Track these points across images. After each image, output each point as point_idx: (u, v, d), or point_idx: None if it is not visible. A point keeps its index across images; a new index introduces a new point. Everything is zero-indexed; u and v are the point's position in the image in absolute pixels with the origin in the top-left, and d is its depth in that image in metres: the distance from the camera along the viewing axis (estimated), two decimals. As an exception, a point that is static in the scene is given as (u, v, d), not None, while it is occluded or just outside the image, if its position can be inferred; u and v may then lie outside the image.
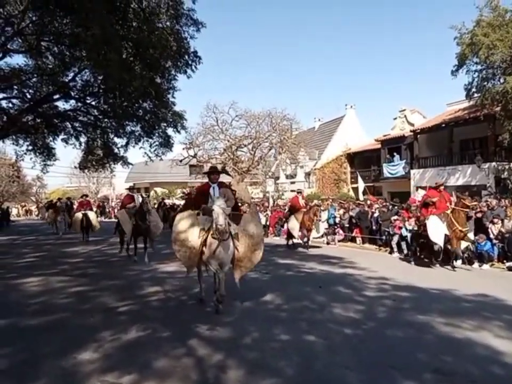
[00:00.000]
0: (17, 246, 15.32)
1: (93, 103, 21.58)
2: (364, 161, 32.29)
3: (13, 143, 23.19)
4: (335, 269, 9.68)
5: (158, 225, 11.67)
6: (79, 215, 16.50)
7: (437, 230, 9.48)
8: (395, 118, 30.46)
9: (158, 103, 20.02)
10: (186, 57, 14.73)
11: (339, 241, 15.14)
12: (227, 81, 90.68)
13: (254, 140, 24.65)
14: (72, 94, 20.87)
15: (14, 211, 41.93)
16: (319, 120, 39.19)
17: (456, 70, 18.51)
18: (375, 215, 13.95)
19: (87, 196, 19.29)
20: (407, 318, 5.33)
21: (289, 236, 14.51)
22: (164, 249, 13.49)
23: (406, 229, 11.58)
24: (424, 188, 22.72)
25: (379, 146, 30.05)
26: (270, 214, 19.82)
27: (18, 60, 21.89)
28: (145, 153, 21.42)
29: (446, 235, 9.47)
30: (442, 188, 10.49)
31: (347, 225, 15.14)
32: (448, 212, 9.79)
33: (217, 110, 25.06)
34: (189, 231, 5.95)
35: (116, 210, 50.44)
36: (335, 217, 15.45)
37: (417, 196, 21.98)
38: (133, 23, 14.39)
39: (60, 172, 43.70)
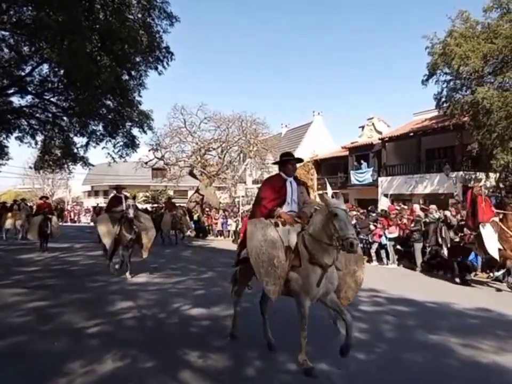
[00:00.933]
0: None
1: (52, 99, 20.19)
2: (331, 168, 32.31)
3: (-40, 139, 21.38)
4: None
5: (150, 233, 9.53)
6: (37, 219, 14.23)
7: (491, 241, 8.06)
8: (361, 126, 30.77)
9: (123, 101, 18.98)
10: (158, 52, 13.85)
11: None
12: (195, 83, 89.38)
13: (223, 144, 23.94)
14: (29, 89, 19.45)
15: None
16: (286, 126, 39.09)
17: (427, 79, 18.71)
18: (352, 222, 13.59)
19: (47, 197, 16.39)
20: (418, 338, 4.86)
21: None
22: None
23: (386, 237, 11.29)
24: (386, 196, 23.20)
25: (346, 153, 30.16)
26: (240, 219, 19.17)
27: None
28: (108, 153, 20.26)
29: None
30: (481, 190, 8.69)
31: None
32: (497, 219, 8.36)
33: (185, 112, 24.21)
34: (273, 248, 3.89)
35: (72, 214, 48.09)
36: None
37: (383, 203, 22.21)
38: (100, 14, 13.40)
39: (12, 172, 40.99)
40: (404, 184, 22.87)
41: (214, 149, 24.53)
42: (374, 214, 12.94)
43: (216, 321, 5.64)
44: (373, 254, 11.95)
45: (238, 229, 18.77)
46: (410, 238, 10.76)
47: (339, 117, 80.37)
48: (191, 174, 24.01)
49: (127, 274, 9.14)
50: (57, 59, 11.44)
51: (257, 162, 24.94)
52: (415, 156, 23.33)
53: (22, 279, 8.91)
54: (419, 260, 10.70)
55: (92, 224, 35.85)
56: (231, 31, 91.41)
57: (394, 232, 11.36)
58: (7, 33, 17.53)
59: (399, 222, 11.40)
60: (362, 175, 26.19)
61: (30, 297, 7.09)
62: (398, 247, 11.48)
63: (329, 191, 26.12)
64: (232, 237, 20.10)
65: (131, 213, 8.81)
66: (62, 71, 18.22)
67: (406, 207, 13.55)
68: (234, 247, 14.99)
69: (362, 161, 26.43)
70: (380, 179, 24.58)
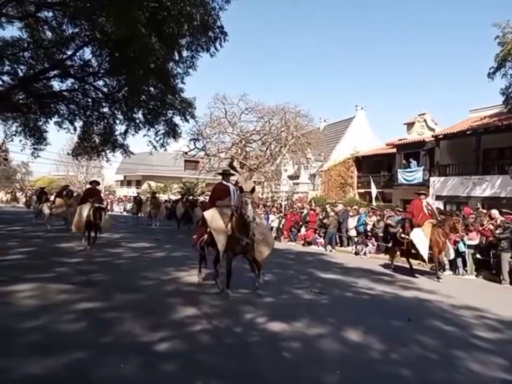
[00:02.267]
0: (1, 238, 13.22)
1: (93, 84, 19.57)
2: (373, 166, 30.75)
3: (2, 123, 21.11)
4: (398, 290, 7.97)
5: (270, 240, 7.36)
6: (84, 208, 11.64)
7: None
8: (408, 123, 29.06)
9: (166, 87, 18.15)
10: (211, 32, 12.79)
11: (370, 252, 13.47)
12: (235, 71, 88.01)
13: (265, 136, 22.82)
14: (70, 72, 18.86)
15: (-1, 197, 39.32)
16: (325, 121, 37.62)
17: (494, 72, 17.03)
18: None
19: (98, 182, 13.34)
20: None
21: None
22: (178, 250, 11.72)
23: (465, 244, 9.93)
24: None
25: (392, 150, 28.54)
26: (284, 216, 18.04)
27: (12, 33, 19.74)
28: (150, 141, 19.51)
29: None
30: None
31: (381, 235, 13.44)
32: None
33: (226, 101, 23.19)
34: None
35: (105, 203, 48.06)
36: (366, 224, 13.78)
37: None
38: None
39: (47, 158, 41.25)
40: (459, 185, 21.19)
41: (254, 140, 23.44)
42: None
43: (307, 343, 4.56)
44: (446, 262, 10.60)
45: (281, 226, 17.66)
46: (497, 247, 9.37)
47: (381, 114, 77.51)
48: (231, 166, 22.98)
49: (258, 283, 6.90)
50: (112, 29, 10.49)
51: (297, 157, 23.70)
52: (471, 156, 21.56)
53: (65, 272, 8.09)
54: (506, 271, 9.31)
55: (125, 213, 35.76)
56: (273, 21, 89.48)
57: (475, 239, 10.00)
58: (50, 14, 17.01)
59: (481, 228, 10.03)
60: (411, 174, 24.58)
61: (78, 295, 6.20)
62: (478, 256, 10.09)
63: (374, 190, 24.78)
64: (274, 233, 18.99)
65: (250, 214, 6.10)
66: (105, 54, 17.59)
67: (484, 213, 12.02)
68: (278, 245, 14.06)
69: (411, 160, 24.80)
70: (431, 179, 22.94)
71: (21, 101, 19.54)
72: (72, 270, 8.32)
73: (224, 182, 7.43)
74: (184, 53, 14.17)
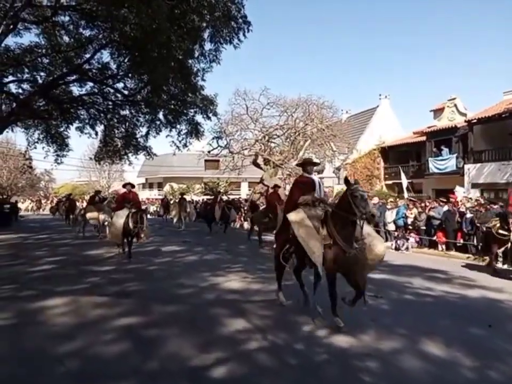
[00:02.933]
0: (29, 247, 12.95)
1: (112, 87, 19.26)
2: (400, 156, 29.63)
3: (24, 131, 21.04)
4: (461, 290, 7.21)
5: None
6: (121, 215, 10.32)
7: None
8: (434, 110, 27.94)
9: (187, 86, 17.68)
10: (234, 23, 12.17)
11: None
12: (256, 67, 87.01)
13: (289, 130, 22.11)
14: (89, 76, 18.59)
15: (24, 205, 39.70)
16: (347, 112, 36.58)
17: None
18: (467, 216, 11.40)
19: (132, 185, 11.56)
20: None
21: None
22: (209, 253, 11.18)
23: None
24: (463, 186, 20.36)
25: (420, 139, 27.46)
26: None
27: (29, 39, 19.39)
28: (173, 141, 19.08)
29: None
30: None
31: (423, 228, 12.60)
32: None
33: (247, 97, 22.58)
34: None
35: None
36: (406, 217, 12.96)
37: (458, 193, 19.43)
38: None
39: (70, 164, 41.42)
40: (496, 172, 20.06)
41: (278, 136, 22.76)
42: (496, 207, 10.66)
43: (384, 361, 3.91)
44: (500, 254, 9.70)
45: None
46: None
47: (404, 103, 75.41)
48: (255, 163, 22.40)
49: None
50: (135, 20, 9.95)
51: (323, 150, 22.90)
52: (508, 140, 20.37)
53: (98, 282, 7.63)
54: None
55: (149, 216, 35.61)
56: (290, 12, 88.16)
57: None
58: (66, 18, 16.75)
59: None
60: (443, 163, 23.49)
61: (114, 309, 5.69)
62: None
63: (404, 181, 23.75)
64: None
65: (369, 210, 4.69)
66: (124, 55, 17.24)
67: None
68: None
69: (443, 147, 23.69)
70: (466, 166, 21.83)
71: (41, 108, 19.40)
72: (104, 279, 7.86)
73: (306, 174, 5.93)
74: (207, 46, 13.60)
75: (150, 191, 53.33)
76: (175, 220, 20.55)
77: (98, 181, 54.95)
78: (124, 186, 11.65)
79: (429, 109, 29.57)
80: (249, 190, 47.39)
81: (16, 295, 6.52)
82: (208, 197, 37.83)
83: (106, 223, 13.83)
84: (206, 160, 50.43)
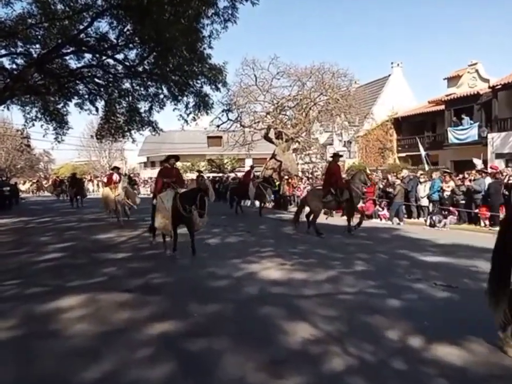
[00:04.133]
0: (32, 232, 11.94)
1: (112, 59, 17.84)
2: (414, 127, 28.44)
3: (20, 109, 19.72)
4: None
5: None
6: (166, 197, 7.92)
7: None
8: (448, 78, 26.48)
9: (192, 55, 16.27)
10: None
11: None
12: (264, 37, 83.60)
13: (301, 101, 20.77)
14: (86, 47, 17.17)
15: (25, 186, 38.60)
16: (355, 82, 34.94)
17: None
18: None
19: (177, 157, 9.01)
20: None
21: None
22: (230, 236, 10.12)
23: None
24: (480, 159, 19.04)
25: (435, 108, 26.25)
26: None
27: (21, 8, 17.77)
28: (180, 115, 17.80)
29: None
30: None
31: (462, 202, 11.53)
32: None
33: (255, 66, 21.11)
34: None
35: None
36: (442, 191, 11.89)
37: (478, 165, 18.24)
38: None
39: (69, 143, 40.18)
40: (524, 140, 18.89)
41: (290, 107, 21.41)
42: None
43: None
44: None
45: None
46: None
47: (414, 71, 72.39)
48: (266, 137, 21.14)
49: None
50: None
51: (341, 121, 21.59)
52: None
53: (115, 274, 6.61)
54: None
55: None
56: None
57: None
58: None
59: None
60: (464, 132, 22.28)
61: (142, 311, 4.67)
62: None
63: (422, 152, 22.61)
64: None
65: None
66: (126, 21, 15.81)
67: None
68: (331, 220, 12.44)
69: (463, 116, 22.42)
70: (490, 136, 20.62)
71: (38, 83, 18.04)
72: (122, 270, 6.83)
73: None
74: (221, 4, 12.15)
75: (152, 170, 52.04)
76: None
77: (99, 161, 53.70)
78: (166, 161, 8.84)
79: (442, 77, 28.06)
80: (253, 166, 46.37)
81: (22, 293, 5.50)
82: (215, 174, 36.74)
83: (126, 206, 12.86)
84: (208, 137, 49.13)
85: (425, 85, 70.84)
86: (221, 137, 43.85)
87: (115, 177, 13.31)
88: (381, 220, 13.62)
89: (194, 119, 17.81)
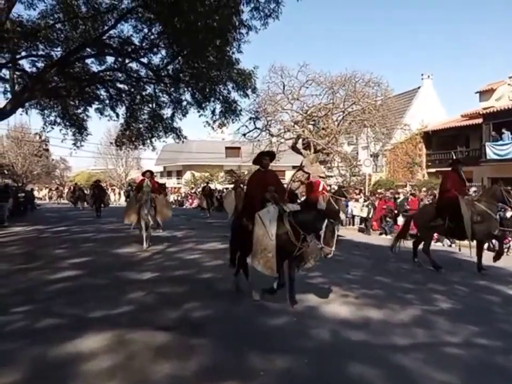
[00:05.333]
0: (46, 243, 10.89)
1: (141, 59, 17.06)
2: (446, 141, 27.04)
3: (39, 112, 18.97)
4: None
5: None
6: (269, 219, 5.12)
7: None
8: (480, 92, 25.06)
9: (220, 58, 15.33)
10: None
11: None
12: (291, 44, 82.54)
13: (331, 110, 19.65)
14: (109, 49, 16.43)
15: (41, 193, 37.95)
16: (390, 91, 33.66)
17: None
18: None
19: (273, 155, 6.20)
20: None
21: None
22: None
23: None
24: None
25: (469, 122, 24.88)
26: (371, 203, 14.94)
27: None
28: (207, 122, 16.84)
29: None
30: None
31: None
32: None
33: (283, 74, 20.13)
34: None
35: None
36: (504, 210, 10.53)
37: None
38: None
39: (87, 150, 39.67)
40: None
41: (319, 117, 20.29)
42: None
43: None
44: None
45: (370, 216, 14.62)
46: None
47: (444, 84, 70.00)
48: (294, 148, 20.01)
49: None
50: None
51: (376, 132, 20.39)
52: None
53: (144, 301, 5.45)
54: None
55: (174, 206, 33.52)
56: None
57: None
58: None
59: None
60: (504, 148, 20.85)
61: (189, 363, 3.49)
62: None
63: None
64: (358, 224, 16.02)
65: None
66: (151, 23, 15.02)
67: None
68: (371, 239, 11.15)
69: (504, 130, 21.01)
70: (536, 152, 19.17)
71: (59, 85, 17.28)
72: (152, 296, 5.67)
73: None
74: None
75: (168, 179, 51.34)
76: (230, 215, 14.75)
77: (115, 169, 53.11)
78: (262, 156, 5.82)
79: (472, 90, 26.75)
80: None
81: (32, 326, 4.36)
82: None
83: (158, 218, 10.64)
84: (227, 148, 48.39)
85: (453, 98, 68.82)
86: (239, 148, 43.03)
87: (146, 183, 10.57)
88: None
89: (221, 126, 16.82)
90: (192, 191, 36.79)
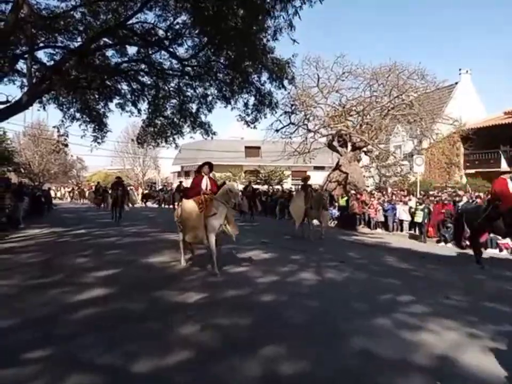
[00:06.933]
0: (65, 250, 9.48)
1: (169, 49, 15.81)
2: (487, 141, 25.10)
3: (57, 107, 17.74)
4: None
5: None
6: None
7: None
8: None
9: (250, 48, 13.87)
10: None
11: None
12: (327, 36, 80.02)
13: (369, 105, 18.01)
14: (132, 40, 15.19)
15: (59, 193, 36.91)
16: (439, 83, 31.62)
17: None
18: None
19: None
20: None
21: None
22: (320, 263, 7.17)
23: None
24: None
25: (514, 120, 22.98)
26: (425, 206, 13.23)
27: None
28: (239, 115, 15.42)
29: None
30: None
31: None
32: None
33: (318, 66, 18.57)
34: None
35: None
36: None
37: None
38: None
39: (104, 148, 38.42)
40: None
41: (358, 112, 18.66)
42: None
43: None
44: None
45: (425, 221, 12.95)
46: None
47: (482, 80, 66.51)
48: (330, 145, 18.45)
49: None
50: None
51: (421, 128, 18.69)
52: None
53: (201, 340, 3.96)
54: None
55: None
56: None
57: None
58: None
59: None
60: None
61: None
62: None
63: (505, 167, 19.50)
64: (407, 230, 14.37)
65: None
66: (178, 11, 13.74)
67: None
68: (423, 246, 9.42)
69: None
70: None
71: (80, 76, 16.04)
72: (211, 331, 4.18)
73: None
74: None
75: (186, 179, 50.14)
76: (297, 224, 12.27)
77: (132, 169, 52.12)
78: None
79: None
80: (292, 180, 43.42)
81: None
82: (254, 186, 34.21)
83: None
84: (246, 147, 47.02)
85: (492, 95, 65.19)
86: (259, 147, 41.59)
87: (205, 183, 7.44)
88: (501, 250, 10.61)
89: (255, 120, 15.36)
90: (212, 191, 35.37)
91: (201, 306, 5.13)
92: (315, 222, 12.86)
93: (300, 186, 13.96)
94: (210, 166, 7.88)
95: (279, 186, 26.73)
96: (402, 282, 6.76)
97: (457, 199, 12.73)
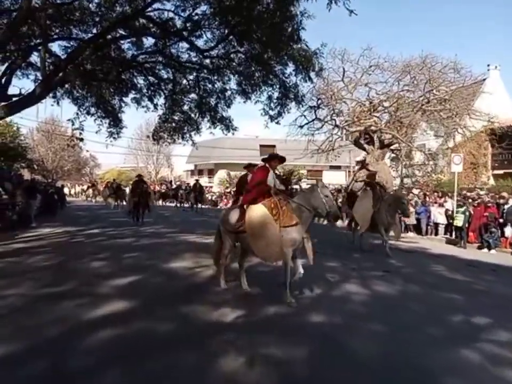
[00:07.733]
0: (80, 252, 8.69)
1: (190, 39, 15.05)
2: (518, 140, 23.79)
3: (72, 102, 17.07)
4: None
5: None
6: None
7: None
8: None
9: (276, 36, 13.01)
10: None
11: None
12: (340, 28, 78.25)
13: (400, 99, 16.97)
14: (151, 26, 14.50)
15: (72, 190, 36.38)
16: (479, 77, 30.33)
17: None
18: None
19: None
20: None
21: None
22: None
23: None
24: None
25: (552, 117, 21.65)
26: (465, 208, 12.20)
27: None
28: (263, 109, 14.54)
29: None
30: None
31: None
32: None
33: (344, 59, 17.58)
34: None
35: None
36: None
37: None
38: None
39: (118, 145, 38.03)
40: None
41: (385, 107, 17.63)
42: None
43: None
44: None
45: (465, 225, 11.91)
46: None
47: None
48: (357, 143, 17.46)
49: None
50: None
51: (454, 125, 17.62)
52: None
53: (253, 380, 3.08)
54: None
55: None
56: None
57: None
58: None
59: None
60: None
61: None
62: None
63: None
64: (442, 234, 13.33)
65: None
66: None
67: None
68: (464, 252, 8.34)
69: None
70: None
71: (96, 68, 15.35)
72: (263, 367, 3.29)
73: None
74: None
75: (200, 178, 49.51)
76: (362, 231, 10.36)
77: (146, 167, 51.62)
78: None
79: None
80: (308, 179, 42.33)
81: None
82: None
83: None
84: (261, 145, 46.14)
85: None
86: (274, 146, 40.65)
87: (272, 180, 5.64)
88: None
89: (279, 115, 14.45)
90: (227, 190, 34.66)
91: (241, 328, 4.25)
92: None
93: (364, 185, 11.75)
94: (282, 159, 5.87)
95: (297, 186, 25.74)
96: (466, 298, 5.81)
97: (501, 201, 11.66)
